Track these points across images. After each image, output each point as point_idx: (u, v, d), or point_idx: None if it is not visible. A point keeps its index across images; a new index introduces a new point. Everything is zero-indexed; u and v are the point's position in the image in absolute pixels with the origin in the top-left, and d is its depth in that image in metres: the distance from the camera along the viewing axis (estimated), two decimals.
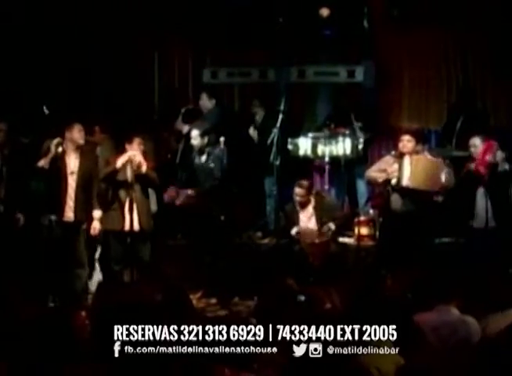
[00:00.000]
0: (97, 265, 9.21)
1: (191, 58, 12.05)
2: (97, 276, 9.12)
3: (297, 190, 9.42)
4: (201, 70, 11.97)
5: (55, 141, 8.54)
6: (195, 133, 9.50)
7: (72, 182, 8.60)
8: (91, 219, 8.73)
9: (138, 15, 11.64)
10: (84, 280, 8.74)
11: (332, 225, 9.31)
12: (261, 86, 11.93)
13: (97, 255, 9.26)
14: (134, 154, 8.84)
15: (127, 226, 8.78)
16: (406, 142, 9.05)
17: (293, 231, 9.40)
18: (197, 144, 9.49)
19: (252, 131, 10.99)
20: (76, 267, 8.67)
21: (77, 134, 8.63)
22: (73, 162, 8.63)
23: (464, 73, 11.49)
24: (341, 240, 9.78)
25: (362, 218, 10.14)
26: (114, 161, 8.87)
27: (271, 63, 11.87)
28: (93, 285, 8.72)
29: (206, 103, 11.07)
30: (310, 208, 9.43)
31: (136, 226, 8.84)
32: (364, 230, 9.95)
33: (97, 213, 8.74)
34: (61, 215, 8.57)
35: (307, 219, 9.42)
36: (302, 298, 5.43)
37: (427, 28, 11.38)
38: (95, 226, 8.75)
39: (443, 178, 8.96)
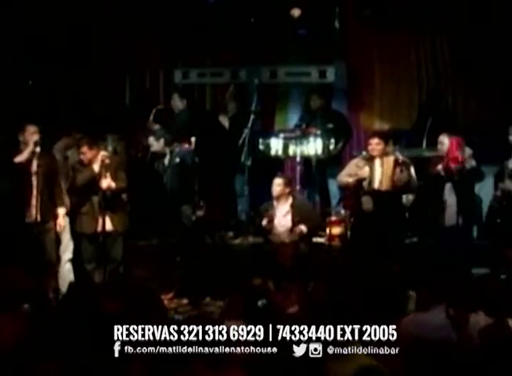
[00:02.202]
0: (69, 266, 9.15)
1: (162, 58, 11.99)
2: (68, 276, 9.05)
3: (276, 180, 9.41)
4: (172, 71, 11.93)
5: (34, 138, 8.53)
6: (150, 140, 9.61)
7: (34, 182, 8.60)
8: (56, 217, 8.72)
9: (110, 15, 11.58)
10: (54, 279, 8.72)
11: (304, 228, 9.30)
12: (232, 86, 11.91)
13: (69, 256, 9.19)
14: (105, 155, 8.83)
15: (99, 227, 8.76)
16: (375, 146, 9.09)
17: (264, 221, 9.34)
18: (156, 149, 9.56)
19: (222, 118, 10.98)
20: (45, 267, 8.66)
21: (29, 136, 8.61)
22: (32, 164, 8.64)
23: (435, 73, 11.55)
24: (314, 239, 9.78)
25: (333, 218, 10.15)
26: (87, 167, 8.84)
27: (242, 64, 11.87)
28: (64, 285, 8.69)
29: (177, 103, 11.09)
30: (287, 206, 9.38)
31: (109, 227, 8.81)
32: (335, 230, 9.95)
33: (61, 210, 8.75)
34: (27, 215, 8.54)
35: (282, 216, 9.37)
36: (263, 302, 5.44)
37: (398, 29, 11.42)
38: (61, 223, 8.75)
39: (397, 175, 9.02)
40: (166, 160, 9.53)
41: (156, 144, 9.56)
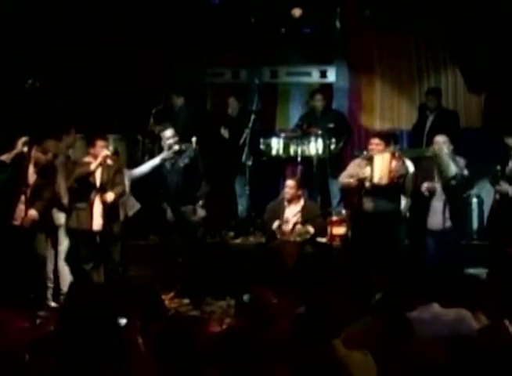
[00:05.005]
0: (68, 266, 9.15)
1: (163, 58, 11.99)
2: (68, 276, 9.05)
3: (289, 182, 9.43)
4: (173, 70, 11.94)
5: (23, 139, 8.55)
6: (169, 133, 9.47)
7: (27, 192, 8.59)
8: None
9: (111, 14, 11.56)
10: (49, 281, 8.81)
11: (311, 229, 9.30)
12: (233, 86, 11.92)
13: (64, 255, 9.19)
14: (106, 155, 8.85)
15: (96, 226, 8.76)
16: (375, 146, 9.11)
17: (275, 225, 9.34)
18: (172, 143, 9.46)
19: (223, 131, 11.01)
20: (40, 268, 8.74)
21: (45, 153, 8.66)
22: (31, 176, 8.63)
23: (436, 73, 11.56)
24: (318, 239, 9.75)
25: (334, 218, 10.15)
26: (88, 162, 8.85)
27: (243, 63, 11.88)
28: (65, 285, 8.71)
29: (175, 101, 11.13)
30: (298, 207, 9.39)
31: (105, 226, 8.82)
32: (336, 230, 9.96)
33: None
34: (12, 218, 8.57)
35: (291, 217, 9.37)
36: (247, 297, 5.45)
37: (399, 29, 11.42)
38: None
39: (394, 166, 9.04)
40: (174, 158, 9.50)
41: (173, 139, 9.43)
